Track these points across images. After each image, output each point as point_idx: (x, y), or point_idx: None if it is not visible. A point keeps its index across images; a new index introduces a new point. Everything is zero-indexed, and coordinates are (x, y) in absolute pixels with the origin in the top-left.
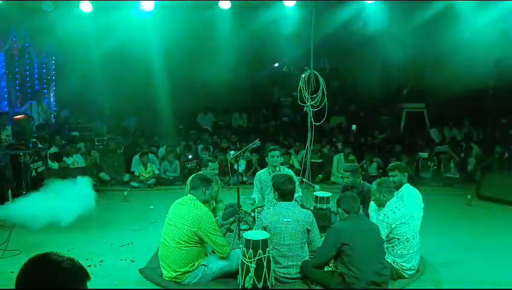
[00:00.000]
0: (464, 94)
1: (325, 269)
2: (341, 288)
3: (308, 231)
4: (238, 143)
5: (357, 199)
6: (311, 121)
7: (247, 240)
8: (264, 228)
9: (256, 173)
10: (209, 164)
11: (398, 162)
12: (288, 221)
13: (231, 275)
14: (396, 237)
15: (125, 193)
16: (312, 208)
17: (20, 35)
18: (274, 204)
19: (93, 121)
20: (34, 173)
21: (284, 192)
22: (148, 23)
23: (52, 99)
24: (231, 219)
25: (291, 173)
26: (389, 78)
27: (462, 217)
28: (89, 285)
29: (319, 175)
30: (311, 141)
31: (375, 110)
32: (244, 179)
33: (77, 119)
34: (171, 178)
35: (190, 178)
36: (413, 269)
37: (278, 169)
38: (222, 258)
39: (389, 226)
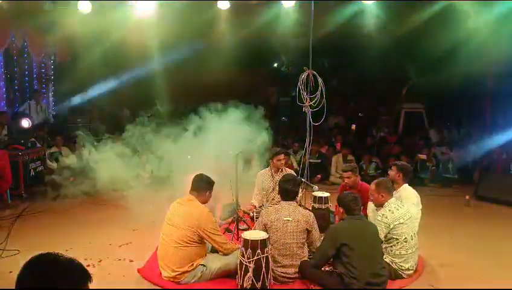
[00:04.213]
0: (462, 94)
1: (324, 269)
2: (339, 288)
3: (308, 231)
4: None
5: (359, 200)
6: (309, 121)
7: (246, 240)
8: (265, 226)
9: (258, 173)
10: None
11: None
12: (288, 220)
13: (230, 275)
14: (395, 237)
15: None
16: (311, 208)
17: (19, 35)
18: (276, 203)
19: (92, 120)
20: (32, 173)
21: (287, 191)
22: (147, 23)
23: (51, 99)
24: (230, 219)
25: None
26: (388, 77)
27: (461, 218)
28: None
29: (318, 175)
30: (309, 141)
31: (374, 110)
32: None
33: (76, 119)
34: None
35: (193, 177)
36: (411, 269)
37: (280, 170)
38: (225, 255)
39: (387, 226)
